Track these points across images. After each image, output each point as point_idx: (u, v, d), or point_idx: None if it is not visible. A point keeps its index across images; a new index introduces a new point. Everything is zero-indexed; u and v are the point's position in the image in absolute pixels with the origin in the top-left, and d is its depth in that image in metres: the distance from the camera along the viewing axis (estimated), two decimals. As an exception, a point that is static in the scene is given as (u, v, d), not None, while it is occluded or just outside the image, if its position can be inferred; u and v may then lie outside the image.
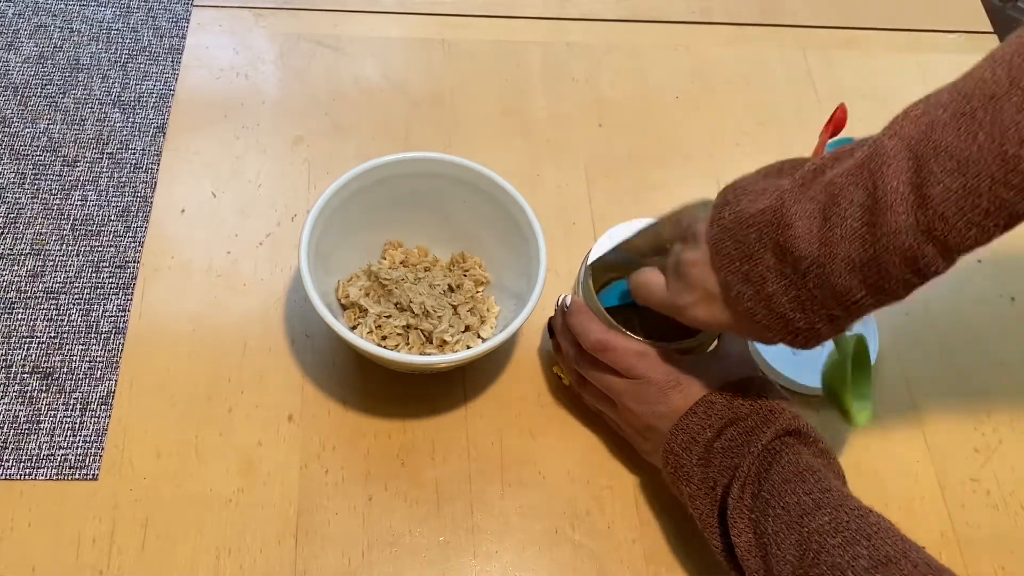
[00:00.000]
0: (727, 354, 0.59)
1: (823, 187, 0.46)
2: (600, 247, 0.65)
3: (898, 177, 0.42)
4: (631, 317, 0.63)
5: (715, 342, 0.61)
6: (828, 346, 0.55)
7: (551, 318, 0.65)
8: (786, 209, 0.47)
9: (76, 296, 0.67)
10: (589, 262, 0.62)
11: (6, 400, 0.62)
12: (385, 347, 0.63)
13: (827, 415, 0.67)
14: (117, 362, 0.64)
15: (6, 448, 0.60)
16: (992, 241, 0.43)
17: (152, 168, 0.74)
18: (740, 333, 0.52)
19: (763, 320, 0.49)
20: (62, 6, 0.83)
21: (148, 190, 0.73)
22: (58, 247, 0.69)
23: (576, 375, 0.62)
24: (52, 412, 0.62)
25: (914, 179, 0.42)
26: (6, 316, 0.66)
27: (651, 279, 0.56)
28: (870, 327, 0.70)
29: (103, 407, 0.62)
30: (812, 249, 0.45)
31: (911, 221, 0.42)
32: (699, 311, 0.52)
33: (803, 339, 0.49)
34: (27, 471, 0.59)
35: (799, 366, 0.67)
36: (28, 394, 0.62)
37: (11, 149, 0.74)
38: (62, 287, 0.67)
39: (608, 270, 0.64)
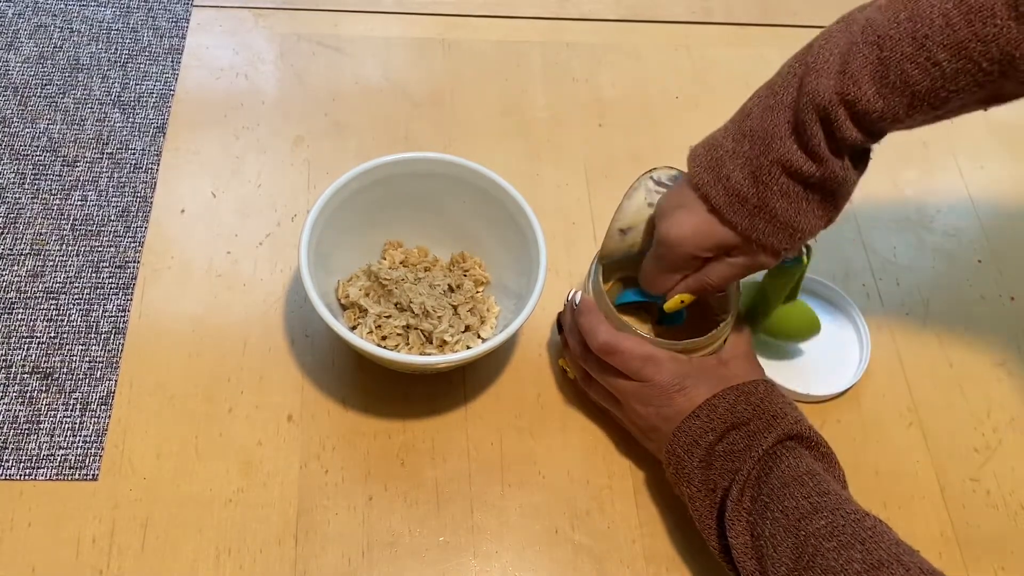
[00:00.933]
0: (734, 357, 0.60)
1: (777, 70, 0.51)
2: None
3: (831, 50, 0.48)
4: (644, 316, 0.63)
5: (722, 341, 0.61)
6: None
7: (560, 313, 0.65)
8: (747, 104, 0.52)
9: (76, 296, 0.67)
10: (599, 259, 0.62)
11: (6, 400, 0.62)
12: (385, 347, 0.63)
13: (831, 416, 0.67)
14: (117, 362, 0.64)
15: (6, 448, 0.60)
16: (900, 121, 0.47)
17: (152, 168, 0.74)
18: (713, 237, 0.53)
19: (721, 202, 0.52)
20: (62, 6, 0.83)
21: (148, 190, 0.73)
22: (58, 247, 0.69)
23: (582, 372, 0.63)
24: (52, 412, 0.62)
25: (843, 51, 0.47)
26: (6, 316, 0.66)
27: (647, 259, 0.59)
28: (862, 330, 0.70)
29: (103, 407, 0.62)
30: (756, 122, 0.50)
31: (829, 83, 0.47)
32: (682, 226, 0.54)
33: (765, 224, 0.51)
34: (27, 471, 0.59)
35: (799, 376, 0.67)
36: (28, 394, 0.62)
37: (11, 149, 0.74)
38: (62, 287, 0.67)
39: (618, 268, 0.64)
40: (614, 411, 0.62)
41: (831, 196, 0.51)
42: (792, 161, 0.49)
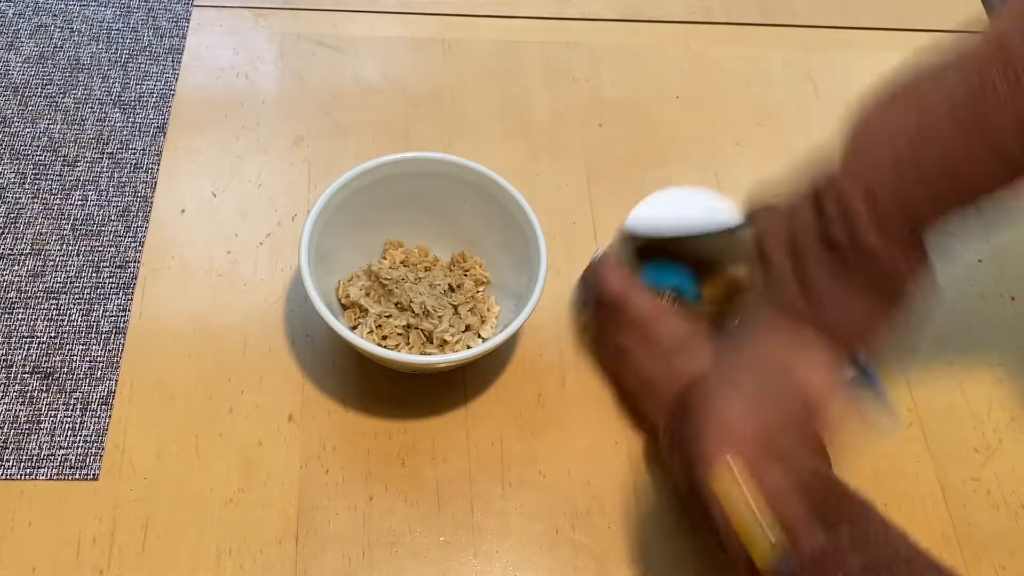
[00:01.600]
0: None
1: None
2: (640, 214, 0.65)
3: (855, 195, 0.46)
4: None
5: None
6: None
7: (585, 272, 0.66)
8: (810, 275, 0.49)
9: (76, 296, 0.67)
10: (627, 227, 0.63)
11: (7, 400, 0.62)
12: (385, 347, 0.63)
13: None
14: (117, 362, 0.64)
15: (7, 448, 0.60)
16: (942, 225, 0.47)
17: (152, 168, 0.74)
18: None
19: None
20: (62, 6, 0.83)
21: (148, 190, 0.73)
22: (58, 247, 0.69)
23: (595, 328, 0.64)
24: (52, 412, 0.62)
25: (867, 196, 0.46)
26: (7, 316, 0.66)
27: None
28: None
29: (103, 407, 0.62)
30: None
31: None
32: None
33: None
34: (27, 471, 0.59)
35: None
36: (29, 394, 0.62)
37: (11, 149, 0.74)
38: (62, 287, 0.67)
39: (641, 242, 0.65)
40: (619, 373, 0.63)
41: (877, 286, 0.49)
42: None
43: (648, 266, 0.63)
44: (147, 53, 0.81)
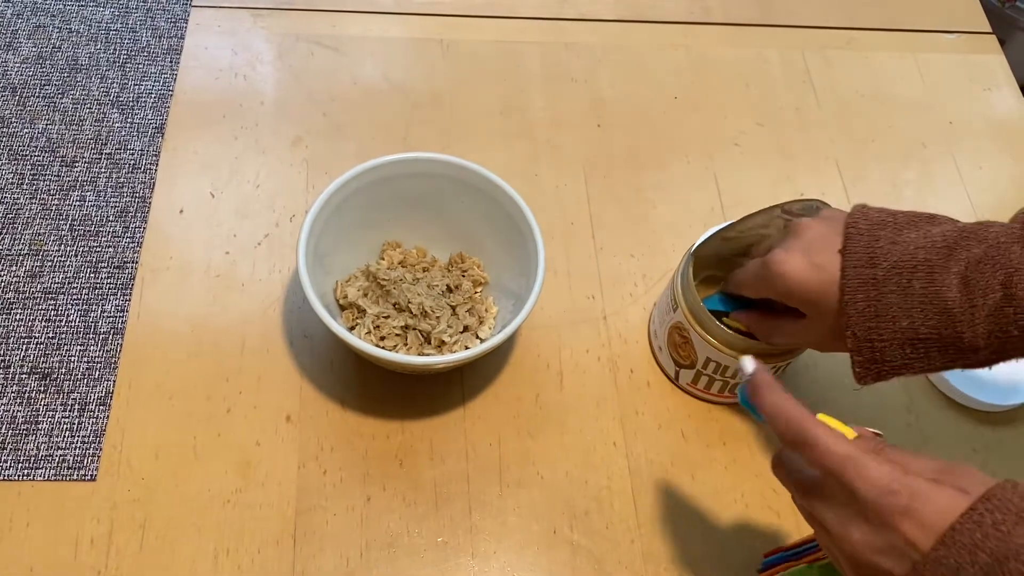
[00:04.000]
0: (945, 470, 0.41)
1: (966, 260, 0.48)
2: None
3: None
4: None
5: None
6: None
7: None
8: (932, 263, 0.48)
9: (74, 297, 0.67)
10: (693, 249, 0.63)
11: (4, 401, 0.62)
12: (383, 348, 0.63)
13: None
14: (115, 363, 0.64)
15: (4, 449, 0.60)
16: None
17: (151, 168, 0.74)
18: (813, 324, 0.52)
19: (858, 335, 0.49)
20: (61, 6, 0.83)
21: (146, 190, 0.73)
22: (56, 247, 0.69)
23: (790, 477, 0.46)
24: (50, 413, 0.62)
25: None
26: (4, 317, 0.66)
27: (749, 265, 0.57)
28: None
29: (101, 408, 0.62)
30: (955, 300, 0.47)
31: None
32: (795, 268, 0.52)
33: (875, 372, 0.50)
34: (25, 472, 0.59)
35: (978, 384, 0.68)
36: (26, 395, 0.62)
37: (9, 149, 0.74)
38: (60, 288, 0.67)
39: (709, 265, 0.64)
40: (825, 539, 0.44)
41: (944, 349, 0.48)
42: (970, 342, 0.47)
43: (708, 300, 0.62)
44: (145, 53, 0.81)
